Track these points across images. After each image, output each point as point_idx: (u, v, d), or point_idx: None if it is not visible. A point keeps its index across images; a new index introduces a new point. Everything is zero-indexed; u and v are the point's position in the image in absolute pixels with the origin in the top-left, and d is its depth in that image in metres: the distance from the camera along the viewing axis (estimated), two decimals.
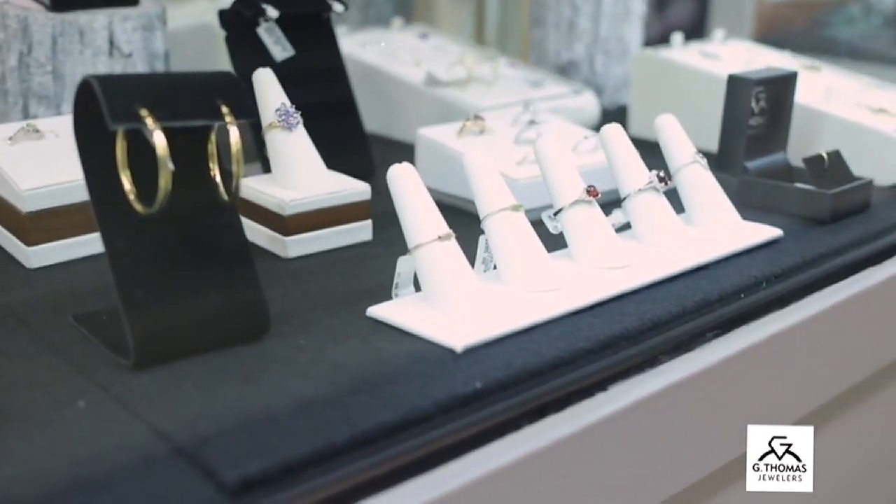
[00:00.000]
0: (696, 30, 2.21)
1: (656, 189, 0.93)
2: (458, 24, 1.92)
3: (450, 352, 0.73)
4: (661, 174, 0.94)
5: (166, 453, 0.60)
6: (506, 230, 0.83)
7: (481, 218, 0.84)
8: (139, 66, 1.15)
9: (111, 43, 1.13)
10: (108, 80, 0.69)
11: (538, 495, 0.68)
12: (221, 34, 1.16)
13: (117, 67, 1.14)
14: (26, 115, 1.14)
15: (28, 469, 0.59)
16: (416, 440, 0.64)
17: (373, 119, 1.33)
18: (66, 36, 1.11)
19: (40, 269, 0.92)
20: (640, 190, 0.93)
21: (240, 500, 0.57)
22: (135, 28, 1.14)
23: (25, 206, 0.90)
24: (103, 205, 0.71)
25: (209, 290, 0.73)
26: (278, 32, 1.15)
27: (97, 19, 1.12)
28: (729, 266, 0.92)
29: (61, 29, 1.11)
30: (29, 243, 0.91)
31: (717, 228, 0.97)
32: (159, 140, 0.66)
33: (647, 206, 0.93)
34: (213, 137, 0.73)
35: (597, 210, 0.89)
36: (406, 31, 1.59)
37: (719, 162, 1.10)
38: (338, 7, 1.18)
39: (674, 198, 0.97)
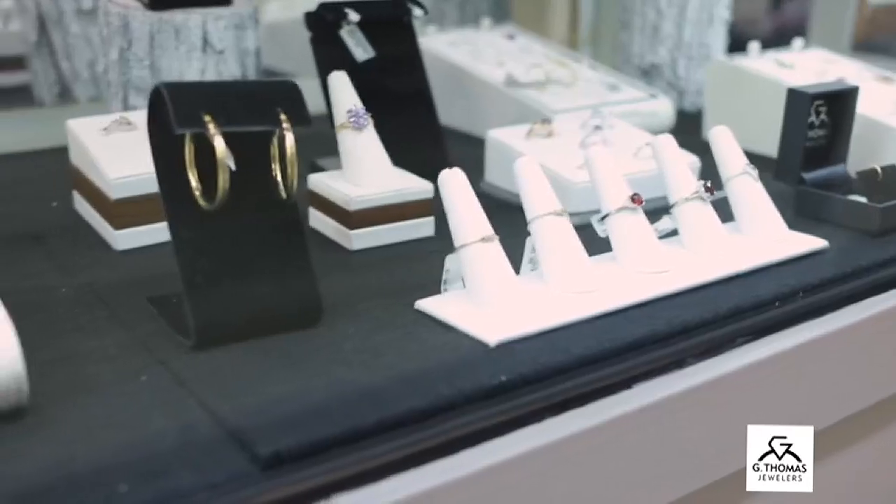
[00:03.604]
0: (796, 35, 2.21)
1: (702, 198, 0.97)
2: (554, 24, 1.96)
3: (483, 345, 0.79)
4: (708, 184, 0.98)
5: (210, 427, 0.67)
6: (549, 233, 0.88)
7: (528, 220, 0.89)
8: (230, 63, 1.23)
9: (205, 40, 1.21)
10: (176, 88, 0.76)
11: (557, 485, 0.73)
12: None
13: (210, 63, 1.22)
14: (125, 105, 1.22)
15: (87, 435, 0.66)
16: (439, 426, 0.70)
17: (456, 116, 1.39)
18: (163, 33, 1.19)
19: (125, 251, 1.00)
20: (686, 198, 0.97)
21: (271, 473, 0.63)
22: (227, 27, 1.21)
23: (113, 193, 0.98)
24: (171, 199, 0.78)
25: (266, 279, 0.80)
26: (360, 35, 1.21)
27: (192, 18, 1.20)
28: (768, 275, 0.95)
29: (158, 27, 1.19)
30: (115, 227, 0.99)
31: (762, 238, 1.00)
32: (219, 144, 0.73)
33: (693, 213, 0.97)
34: (274, 141, 0.79)
35: (641, 216, 0.93)
36: (494, 31, 1.64)
37: (778, 171, 1.14)
38: (417, 11, 1.24)
39: (726, 207, 1.02)
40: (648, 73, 1.60)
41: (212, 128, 0.73)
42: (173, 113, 0.73)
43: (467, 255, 0.84)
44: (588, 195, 1.01)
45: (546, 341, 0.80)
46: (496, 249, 0.85)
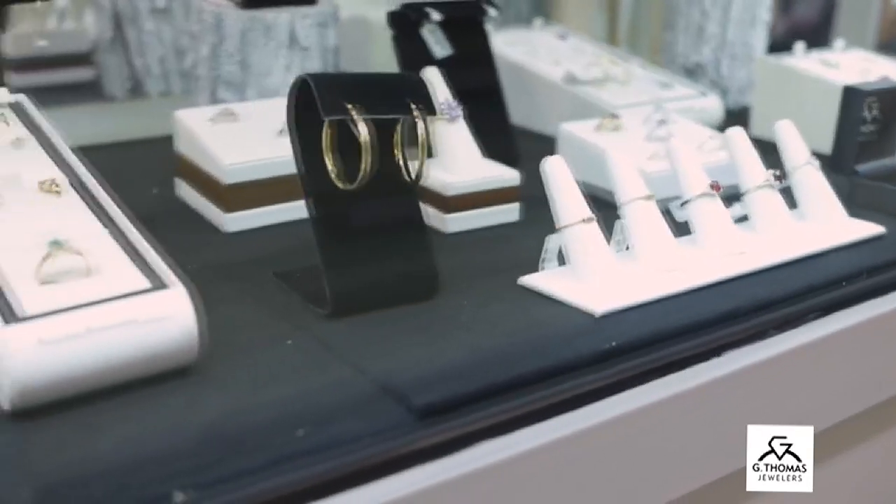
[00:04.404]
0: (821, 34, 2.29)
1: (772, 186, 1.05)
2: (591, 24, 2.04)
3: (590, 316, 0.87)
4: (777, 173, 1.06)
5: (363, 384, 0.75)
6: (640, 216, 0.96)
7: (620, 205, 0.97)
8: (314, 59, 1.31)
9: (292, 37, 1.29)
10: (321, 79, 0.84)
11: (662, 437, 0.82)
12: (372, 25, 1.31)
13: (296, 59, 1.29)
14: (213, 98, 1.30)
15: (253, 390, 0.74)
16: (561, 385, 0.78)
17: (515, 112, 1.46)
18: (254, 30, 1.27)
19: (234, 233, 1.07)
20: (757, 186, 1.05)
21: (426, 422, 0.71)
22: (312, 25, 1.29)
23: (226, 178, 1.06)
24: (311, 181, 0.86)
25: (392, 255, 0.88)
26: (440, 33, 1.29)
27: (281, 16, 1.28)
28: (833, 257, 1.03)
29: (250, 24, 1.27)
30: (227, 210, 1.07)
31: (825, 223, 1.08)
32: (364, 130, 0.81)
33: (763, 200, 1.05)
34: (399, 128, 0.87)
35: (719, 203, 1.01)
36: (546, 31, 1.72)
37: (832, 164, 1.22)
38: (492, 11, 1.32)
39: (788, 196, 1.09)
40: (693, 72, 1.68)
41: (355, 115, 0.81)
42: (321, 102, 0.81)
43: (571, 235, 0.92)
44: (660, 184, 1.08)
45: (643, 313, 0.88)
46: (596, 230, 0.93)
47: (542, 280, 0.93)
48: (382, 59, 1.49)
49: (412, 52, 1.29)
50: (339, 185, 0.85)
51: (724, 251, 0.99)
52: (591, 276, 0.91)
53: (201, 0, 1.30)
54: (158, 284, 0.75)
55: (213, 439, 0.67)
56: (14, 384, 0.68)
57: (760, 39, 1.71)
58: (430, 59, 1.28)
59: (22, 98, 1.03)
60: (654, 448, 0.82)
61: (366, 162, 0.82)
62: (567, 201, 0.93)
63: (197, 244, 1.05)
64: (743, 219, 1.06)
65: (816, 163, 1.11)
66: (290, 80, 1.22)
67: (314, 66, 1.30)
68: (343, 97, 0.82)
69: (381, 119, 0.84)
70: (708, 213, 1.01)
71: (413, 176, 0.87)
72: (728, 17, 1.66)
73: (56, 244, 0.76)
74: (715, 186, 1.01)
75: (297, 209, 1.07)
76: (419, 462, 0.69)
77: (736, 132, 1.08)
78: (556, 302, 0.90)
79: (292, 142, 0.87)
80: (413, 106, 0.85)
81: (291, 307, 0.88)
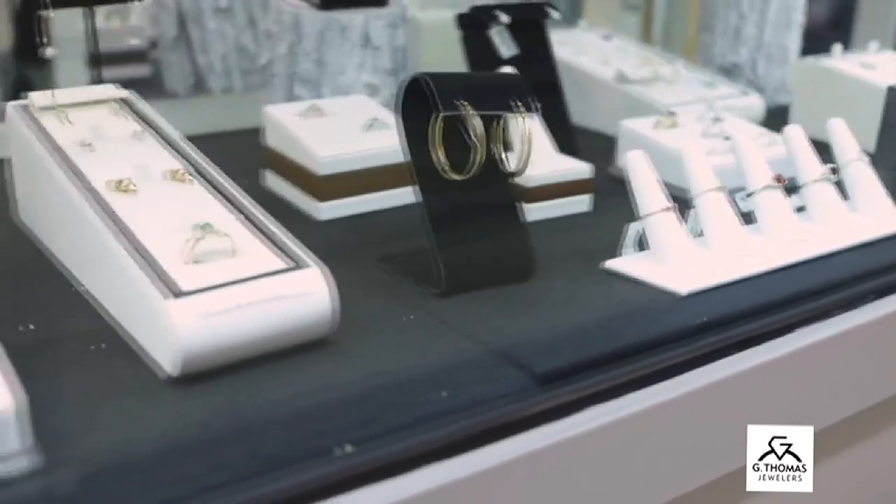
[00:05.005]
0: (841, 35, 2.36)
1: (828, 180, 1.13)
2: (623, 26, 2.12)
3: (674, 295, 0.95)
4: (833, 167, 1.14)
5: (483, 354, 0.83)
6: (713, 206, 1.04)
7: (693, 195, 1.05)
8: (385, 58, 1.38)
9: (366, 37, 1.36)
10: (434, 78, 0.92)
11: (747, 405, 0.90)
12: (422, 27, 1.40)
13: (368, 58, 1.37)
14: (290, 95, 1.38)
15: (386, 358, 0.82)
16: (661, 355, 0.86)
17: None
18: (331, 30, 1.35)
19: (326, 221, 1.15)
20: (815, 180, 1.13)
21: (547, 387, 0.79)
22: (384, 25, 1.37)
23: (321, 169, 1.14)
24: (421, 172, 0.94)
25: (494, 239, 0.96)
26: (506, 34, 1.37)
27: (356, 17, 1.35)
28: (886, 244, 1.11)
29: (327, 25, 1.35)
30: (320, 200, 1.15)
31: (875, 215, 1.16)
32: (478, 125, 0.89)
33: (820, 193, 1.13)
34: (499, 122, 0.95)
35: (782, 194, 1.10)
36: (590, 32, 1.80)
37: (875, 160, 1.30)
38: (554, 14, 1.40)
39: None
40: (730, 72, 1.77)
41: (470, 111, 0.89)
42: (438, 98, 0.90)
43: (653, 223, 1.00)
44: (719, 178, 1.16)
45: (723, 293, 0.97)
46: (675, 218, 1.01)
47: (626, 264, 1.01)
48: (433, 58, 1.58)
49: (480, 51, 1.37)
50: (450, 176, 0.93)
51: (787, 239, 1.07)
52: (672, 260, 0.99)
53: (279, 1, 1.37)
54: (298, 264, 0.83)
55: (363, 400, 0.75)
56: (179, 353, 0.76)
57: (794, 41, 1.79)
58: (496, 59, 1.36)
59: (130, 93, 1.10)
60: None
61: (479, 154, 0.90)
62: (648, 192, 1.01)
63: (294, 232, 1.12)
64: (800, 209, 1.14)
65: (866, 158, 1.19)
66: (362, 77, 1.33)
67: (385, 64, 1.38)
68: (456, 95, 0.90)
69: (490, 115, 0.93)
70: (772, 204, 1.09)
71: (513, 167, 0.95)
72: (765, 20, 1.75)
73: (205, 227, 0.84)
74: (780, 179, 1.09)
75: (383, 199, 1.16)
76: (540, 423, 0.77)
77: (794, 130, 1.16)
78: (640, 284, 0.98)
79: (400, 135, 0.94)
80: (515, 103, 0.93)
81: (399, 287, 0.96)
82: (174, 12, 1.64)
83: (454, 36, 1.41)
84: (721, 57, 1.79)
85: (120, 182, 0.92)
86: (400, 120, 0.95)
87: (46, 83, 1.51)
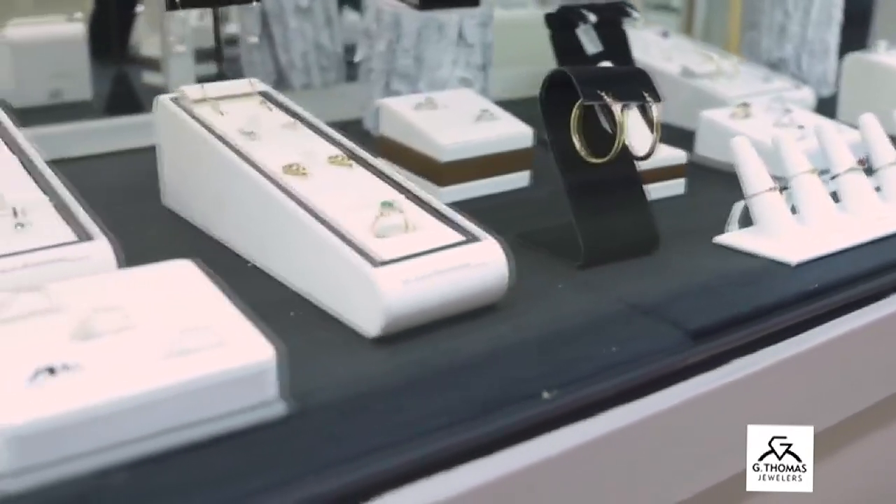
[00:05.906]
0: (860, 31, 2.47)
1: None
2: (664, 24, 2.24)
3: (785, 266, 1.07)
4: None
5: (639, 314, 0.95)
6: (807, 186, 1.16)
7: (789, 177, 1.17)
8: (476, 54, 1.49)
9: (460, 35, 1.47)
10: (576, 72, 1.03)
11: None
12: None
13: (461, 55, 1.48)
14: (388, 90, 1.49)
15: (557, 318, 0.94)
16: (784, 315, 0.98)
17: None
18: (429, 29, 1.46)
19: (448, 204, 1.26)
20: (890, 163, 1.25)
21: (699, 342, 0.91)
22: (476, 24, 1.48)
23: (443, 156, 1.25)
24: (562, 156, 1.05)
25: (625, 215, 1.08)
26: (592, 33, 1.49)
27: (452, 17, 1.46)
28: None
29: (425, 23, 1.45)
30: (442, 185, 1.26)
31: None
32: (620, 113, 1.01)
33: (892, 176, 1.25)
34: (625, 111, 1.07)
35: (864, 176, 1.21)
36: (647, 30, 1.91)
37: None
38: (635, 14, 1.52)
39: None
40: (776, 67, 1.89)
41: (612, 101, 1.01)
42: (582, 89, 1.01)
43: (760, 201, 1.12)
44: None
45: (828, 263, 1.09)
46: (779, 197, 1.13)
47: (736, 238, 1.13)
48: (505, 54, 1.68)
49: (567, 48, 1.49)
50: (590, 160, 1.05)
51: (869, 216, 1.19)
52: (778, 234, 1.11)
53: (378, 2, 1.48)
54: (473, 237, 0.94)
55: (547, 353, 0.87)
56: (385, 315, 0.87)
57: (834, 37, 1.92)
58: (582, 55, 1.47)
59: (268, 87, 1.21)
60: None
61: (620, 140, 1.01)
62: (755, 173, 1.13)
63: None
64: (877, 189, 1.26)
65: None
66: (456, 73, 1.44)
67: (476, 60, 1.49)
68: (597, 86, 1.02)
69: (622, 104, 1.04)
70: (856, 185, 1.21)
71: (642, 152, 1.07)
72: (808, 18, 1.87)
73: (387, 205, 0.95)
74: (862, 162, 1.21)
75: (498, 183, 1.27)
76: (692, 375, 0.89)
77: (869, 118, 1.28)
78: (752, 255, 1.10)
79: (545, 122, 1.06)
80: (646, 94, 1.05)
81: (539, 261, 1.07)
82: (257, 11, 1.74)
83: (522, 33, 1.51)
84: (767, 53, 1.91)
85: (290, 166, 1.03)
86: (545, 109, 1.06)
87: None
